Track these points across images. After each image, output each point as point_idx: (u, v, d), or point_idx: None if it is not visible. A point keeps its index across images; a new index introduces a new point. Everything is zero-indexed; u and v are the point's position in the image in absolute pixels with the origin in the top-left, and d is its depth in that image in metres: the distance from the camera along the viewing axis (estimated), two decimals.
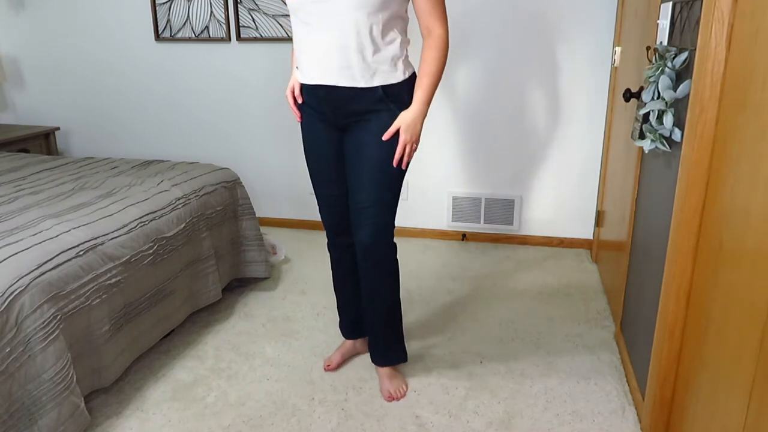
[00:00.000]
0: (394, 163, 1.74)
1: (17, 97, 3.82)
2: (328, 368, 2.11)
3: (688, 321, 1.54)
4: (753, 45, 1.20)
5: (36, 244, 1.74)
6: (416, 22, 1.73)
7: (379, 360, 2.03)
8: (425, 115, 1.73)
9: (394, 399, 1.97)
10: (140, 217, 2.08)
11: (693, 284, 1.51)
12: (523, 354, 2.22)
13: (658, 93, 1.63)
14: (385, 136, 1.72)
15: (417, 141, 1.74)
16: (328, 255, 2.08)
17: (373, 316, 1.98)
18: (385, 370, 2.02)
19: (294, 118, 3.33)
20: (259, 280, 2.80)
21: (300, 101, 1.85)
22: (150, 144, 3.68)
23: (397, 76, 1.70)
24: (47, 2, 3.56)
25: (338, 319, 2.22)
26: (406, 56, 1.74)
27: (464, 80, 3.11)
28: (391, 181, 1.78)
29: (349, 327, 2.16)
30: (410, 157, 1.75)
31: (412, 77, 1.76)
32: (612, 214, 2.69)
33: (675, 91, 1.57)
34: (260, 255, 2.69)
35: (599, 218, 3.05)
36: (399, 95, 1.72)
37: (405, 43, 1.72)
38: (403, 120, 1.70)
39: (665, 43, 1.74)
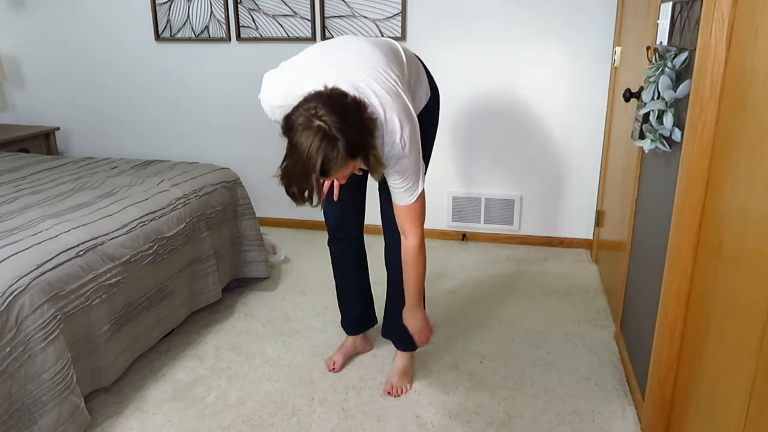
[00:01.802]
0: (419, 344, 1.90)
1: (17, 97, 3.82)
2: (334, 371, 2.10)
3: (688, 321, 1.54)
4: (753, 45, 1.20)
5: (36, 244, 1.74)
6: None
7: (405, 344, 2.04)
8: (419, 308, 1.84)
9: (392, 395, 1.97)
10: (140, 217, 2.08)
11: (693, 284, 1.51)
12: (523, 354, 2.22)
13: (658, 93, 1.63)
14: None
15: (426, 327, 1.85)
16: (328, 254, 2.08)
17: (401, 292, 1.93)
18: (402, 362, 2.03)
19: None
20: (259, 280, 2.80)
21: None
22: (150, 144, 3.68)
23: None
24: (47, 2, 3.56)
25: (338, 318, 2.23)
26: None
27: (464, 80, 3.10)
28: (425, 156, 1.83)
29: (353, 322, 2.16)
30: (428, 341, 1.88)
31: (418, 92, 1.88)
32: (612, 214, 2.69)
33: (675, 91, 1.57)
34: (260, 255, 2.69)
35: (599, 218, 3.05)
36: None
37: None
38: (404, 321, 1.86)
39: (665, 43, 1.74)
